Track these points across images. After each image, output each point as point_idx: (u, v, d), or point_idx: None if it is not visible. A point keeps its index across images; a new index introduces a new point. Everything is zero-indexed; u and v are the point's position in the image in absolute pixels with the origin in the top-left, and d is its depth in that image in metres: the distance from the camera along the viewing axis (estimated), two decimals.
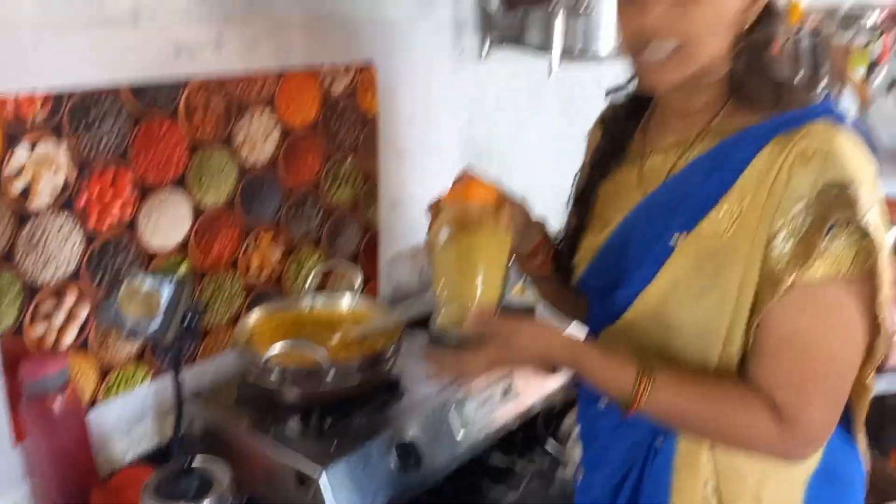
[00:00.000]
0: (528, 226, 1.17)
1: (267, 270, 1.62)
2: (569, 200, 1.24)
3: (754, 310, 0.94)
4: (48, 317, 1.28)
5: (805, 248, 0.89)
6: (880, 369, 1.93)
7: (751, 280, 0.94)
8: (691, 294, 0.98)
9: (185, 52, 1.36)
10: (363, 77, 1.67)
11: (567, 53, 1.66)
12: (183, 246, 1.45)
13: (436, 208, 1.09)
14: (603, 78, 1.28)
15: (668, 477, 1.04)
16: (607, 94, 1.18)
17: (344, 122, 1.67)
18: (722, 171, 0.97)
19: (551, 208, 2.15)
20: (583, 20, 1.69)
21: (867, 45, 2.38)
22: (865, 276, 0.90)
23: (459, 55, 1.85)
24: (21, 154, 1.19)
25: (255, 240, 1.57)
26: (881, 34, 2.39)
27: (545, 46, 1.71)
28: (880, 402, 2.28)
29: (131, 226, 1.36)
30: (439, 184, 1.90)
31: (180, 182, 1.41)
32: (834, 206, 0.88)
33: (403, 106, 1.78)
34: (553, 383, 1.61)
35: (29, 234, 1.22)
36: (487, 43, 1.87)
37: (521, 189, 2.08)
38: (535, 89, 2.04)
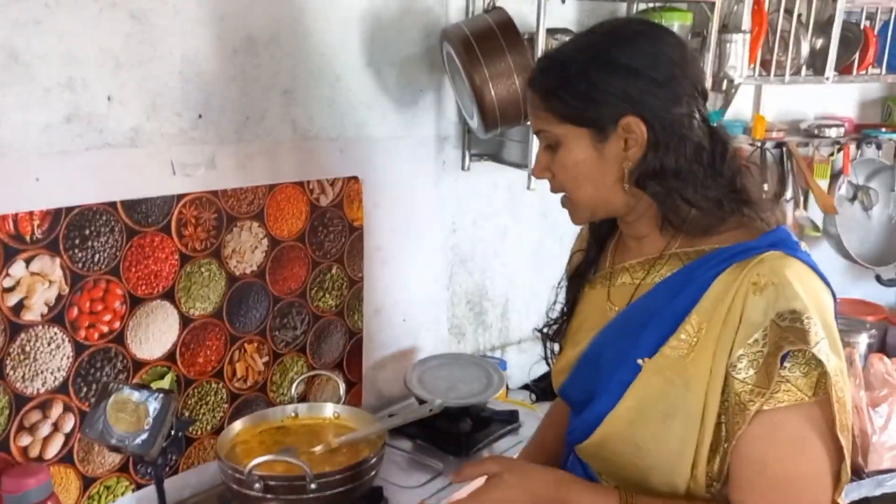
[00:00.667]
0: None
1: (252, 378, 1.64)
2: (556, 296, 1.27)
3: (728, 435, 0.96)
4: (33, 428, 1.29)
5: (765, 377, 0.92)
6: (859, 475, 1.94)
7: (713, 406, 0.96)
8: (657, 416, 1.01)
9: (179, 170, 1.42)
10: (349, 189, 1.75)
11: (532, 173, 1.74)
12: (170, 355, 1.47)
13: None
14: None
15: None
16: None
17: (330, 232, 1.73)
18: (682, 295, 1.01)
19: (532, 309, 2.21)
20: None
21: (830, 156, 2.51)
22: (824, 403, 0.91)
23: (442, 167, 1.93)
24: (17, 269, 1.23)
25: (241, 348, 1.60)
26: (841, 147, 2.52)
27: (523, 161, 1.80)
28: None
29: (120, 337, 1.39)
30: (423, 290, 1.97)
31: (169, 293, 1.46)
32: (786, 335, 0.91)
33: (388, 216, 1.85)
34: None
35: (20, 346, 1.25)
36: (468, 157, 1.96)
37: (503, 291, 2.15)
38: (515, 199, 2.12)
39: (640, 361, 1.02)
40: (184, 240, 1.46)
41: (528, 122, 1.67)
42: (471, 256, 2.08)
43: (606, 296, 1.13)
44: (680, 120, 0.98)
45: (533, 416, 1.83)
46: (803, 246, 1.01)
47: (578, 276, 1.22)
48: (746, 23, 2.07)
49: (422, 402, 1.75)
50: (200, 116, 1.45)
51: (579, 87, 0.98)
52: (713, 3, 1.94)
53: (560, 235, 2.24)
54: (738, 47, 1.99)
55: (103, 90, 1.30)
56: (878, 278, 2.83)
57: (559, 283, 1.26)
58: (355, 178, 1.76)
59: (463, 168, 1.98)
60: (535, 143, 1.74)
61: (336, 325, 1.79)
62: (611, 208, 1.06)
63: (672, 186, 0.99)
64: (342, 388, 1.58)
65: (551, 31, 1.72)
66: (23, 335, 1.26)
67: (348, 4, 1.65)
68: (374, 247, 1.84)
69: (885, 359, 2.03)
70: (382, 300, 1.89)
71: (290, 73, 1.58)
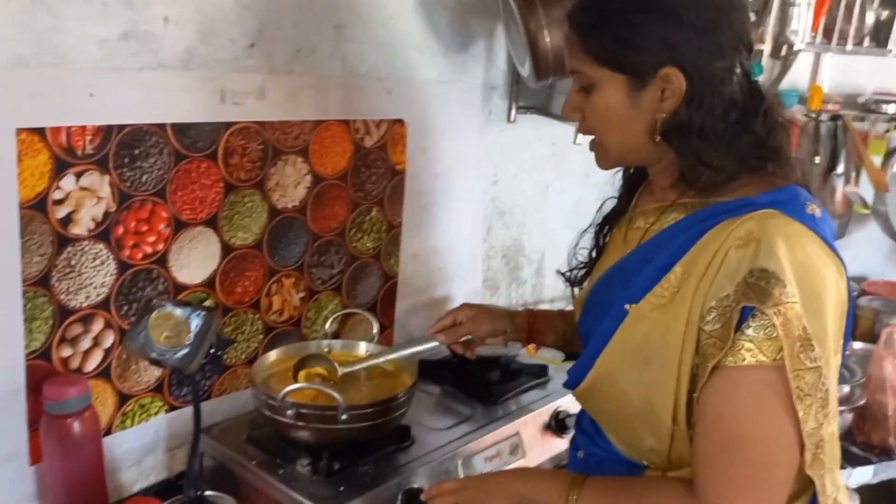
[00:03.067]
0: (492, 327, 1.34)
1: (287, 312, 1.65)
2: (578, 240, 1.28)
3: (696, 386, 0.95)
4: (75, 341, 1.32)
5: (725, 331, 0.90)
6: (890, 455, 1.92)
7: (688, 355, 0.95)
8: (638, 362, 1.01)
9: (229, 98, 1.42)
10: (394, 132, 1.74)
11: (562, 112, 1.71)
12: (209, 282, 1.49)
13: None
14: None
15: None
16: None
17: (373, 174, 1.73)
18: (675, 245, 1.00)
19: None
20: None
21: (886, 132, 2.44)
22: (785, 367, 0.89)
23: (488, 117, 1.91)
24: (67, 182, 1.24)
25: (279, 282, 1.62)
26: None
27: None
28: (890, 487, 2.26)
29: (162, 259, 1.41)
30: (460, 240, 1.96)
31: (212, 220, 1.47)
32: (750, 290, 0.89)
33: (431, 162, 1.84)
34: (561, 443, 1.62)
35: (66, 259, 1.27)
36: (515, 108, 1.93)
37: (539, 248, 2.14)
38: (559, 155, 2.10)
39: (626, 307, 1.02)
40: (229, 168, 1.47)
41: None
42: (510, 209, 2.07)
43: (623, 237, 1.13)
44: (720, 74, 0.96)
45: (561, 373, 1.82)
46: (813, 210, 0.97)
47: (607, 221, 1.22)
48: None
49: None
50: (253, 45, 1.44)
51: (620, 30, 0.96)
52: None
53: (602, 195, 2.21)
54: (802, 11, 1.94)
55: (161, 10, 1.29)
56: None
57: (586, 229, 1.26)
58: (401, 121, 1.75)
59: (509, 119, 1.96)
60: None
61: (372, 268, 1.80)
62: (638, 157, 1.05)
63: (693, 146, 0.97)
64: (375, 327, 1.59)
65: None
66: (69, 248, 1.28)
67: None
68: (416, 192, 1.83)
69: None
70: (420, 246, 1.89)
71: (344, 7, 1.56)
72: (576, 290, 1.26)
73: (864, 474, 1.92)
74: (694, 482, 0.94)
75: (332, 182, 1.65)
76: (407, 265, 1.87)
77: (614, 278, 1.09)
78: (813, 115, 2.27)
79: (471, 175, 1.95)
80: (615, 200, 1.22)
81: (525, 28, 1.54)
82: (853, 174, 2.40)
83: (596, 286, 1.14)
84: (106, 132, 1.27)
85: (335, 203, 1.68)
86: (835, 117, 2.34)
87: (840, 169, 2.35)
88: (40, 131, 1.19)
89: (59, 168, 1.23)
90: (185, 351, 1.05)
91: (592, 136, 1.08)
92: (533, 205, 2.11)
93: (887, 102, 2.41)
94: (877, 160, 2.41)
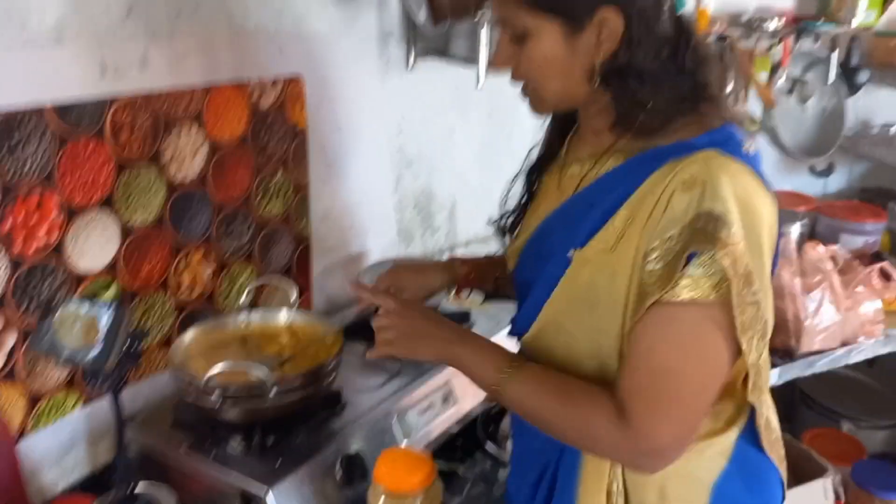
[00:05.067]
0: (429, 286, 1.34)
1: (199, 288, 1.59)
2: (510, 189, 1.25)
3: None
4: None
5: (668, 272, 0.92)
6: (792, 356, 2.05)
7: (633, 296, 0.97)
8: (585, 307, 1.02)
9: (110, 70, 1.33)
10: (291, 90, 1.67)
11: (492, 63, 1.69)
12: (112, 267, 1.42)
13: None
14: None
15: (577, 474, 1.08)
16: None
17: (273, 136, 1.66)
18: (618, 190, 1.00)
19: (480, 209, 2.20)
20: None
21: (769, 49, 2.52)
22: (727, 304, 0.92)
23: (386, 65, 1.86)
24: None
25: (186, 257, 1.55)
26: (781, 39, 2.53)
27: (471, 57, 1.75)
28: (791, 386, 2.42)
29: (58, 249, 1.32)
30: (370, 194, 1.93)
31: (107, 202, 1.38)
32: (697, 235, 0.91)
33: (332, 117, 1.79)
34: None
35: None
36: (413, 54, 1.89)
37: (450, 193, 2.13)
38: (462, 98, 2.07)
39: (569, 254, 1.02)
40: (119, 146, 1.38)
41: (482, 13, 1.63)
42: (417, 158, 2.04)
43: (557, 184, 1.13)
44: (652, 11, 0.95)
45: (483, 315, 1.84)
46: (749, 147, 0.99)
47: (537, 168, 1.21)
48: None
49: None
50: (131, 10, 1.34)
51: None
52: None
53: (507, 134, 2.22)
54: None
55: None
56: (812, 169, 2.91)
57: (514, 177, 1.25)
58: (297, 78, 1.68)
59: (408, 66, 1.91)
60: (484, 36, 1.70)
61: (283, 232, 1.75)
62: (575, 102, 1.04)
63: (631, 87, 0.97)
64: (294, 294, 1.56)
65: None
66: None
67: None
68: (319, 149, 1.78)
69: (820, 246, 2.11)
70: (330, 205, 1.85)
71: None
72: (506, 238, 1.24)
73: (771, 377, 2.05)
74: (621, 405, 0.96)
75: (230, 149, 1.58)
76: (318, 226, 1.83)
77: (554, 225, 1.08)
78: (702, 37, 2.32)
79: (374, 126, 1.90)
80: (543, 147, 1.20)
81: None
82: (742, 93, 2.48)
83: (534, 235, 1.12)
84: None
85: (237, 170, 1.61)
86: (721, 38, 2.39)
87: (729, 88, 2.42)
88: None
89: None
90: (97, 350, 0.99)
91: (523, 82, 1.04)
92: (440, 150, 2.09)
93: (769, 20, 2.48)
94: (763, 77, 2.49)
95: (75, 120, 1.30)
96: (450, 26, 1.68)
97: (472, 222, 2.23)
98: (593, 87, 0.99)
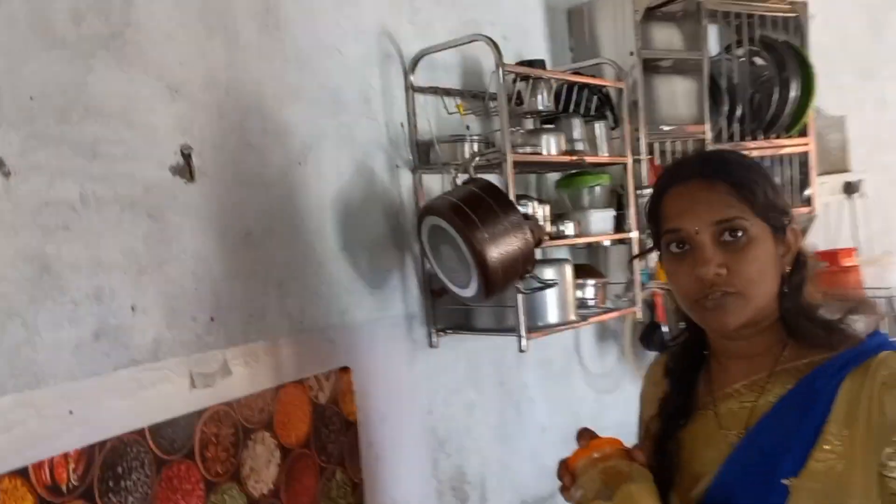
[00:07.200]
0: None
1: None
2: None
3: None
4: None
5: None
6: None
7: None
8: None
9: (199, 381, 1.25)
10: (342, 381, 1.62)
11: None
12: None
13: (567, 470, 1.03)
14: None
15: None
16: (665, 347, 1.24)
17: (331, 432, 1.57)
18: (812, 409, 1.00)
19: (506, 484, 2.11)
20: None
21: None
22: None
23: (413, 346, 1.86)
24: None
25: None
26: None
27: (499, 328, 1.81)
28: None
29: None
30: (413, 482, 1.81)
31: None
32: None
33: (376, 405, 1.72)
34: None
35: None
36: (433, 332, 1.90)
37: (479, 470, 2.04)
38: (475, 369, 2.07)
39: (786, 482, 0.98)
40: (206, 463, 1.25)
41: (529, 276, 1.70)
42: (447, 437, 1.97)
43: (718, 426, 1.11)
44: (802, 231, 1.05)
45: None
46: None
47: (670, 419, 1.18)
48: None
49: None
50: (213, 319, 1.30)
51: (765, 186, 1.01)
52: (626, 165, 2.14)
53: (515, 401, 2.21)
54: None
55: (128, 300, 1.13)
56: None
57: (638, 431, 1.23)
58: (346, 368, 1.64)
59: (430, 344, 1.92)
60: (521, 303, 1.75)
61: None
62: (765, 312, 1.04)
63: (804, 298, 1.03)
64: None
65: None
66: None
67: (320, 192, 1.62)
68: (368, 442, 1.69)
69: None
70: (383, 500, 1.71)
71: (281, 263, 1.48)
72: None
73: None
74: None
75: (298, 451, 1.47)
76: None
77: (744, 463, 1.04)
78: None
79: (410, 411, 1.85)
80: (675, 398, 1.18)
81: (470, 248, 1.56)
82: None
83: (718, 478, 1.06)
84: (88, 455, 1.04)
85: (304, 475, 1.49)
86: None
87: None
88: (23, 472, 0.94)
89: None
90: None
91: (721, 291, 1.02)
92: (463, 427, 2.03)
93: None
94: None
95: (170, 440, 1.18)
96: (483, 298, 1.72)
97: (501, 497, 2.12)
98: (781, 298, 1.03)
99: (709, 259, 1.00)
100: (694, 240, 1.01)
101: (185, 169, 1.27)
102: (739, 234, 1.00)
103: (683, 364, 1.17)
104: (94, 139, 1.12)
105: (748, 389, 1.06)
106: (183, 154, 1.26)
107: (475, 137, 1.86)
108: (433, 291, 1.87)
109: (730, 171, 1.02)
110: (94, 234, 1.09)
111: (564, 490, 1.03)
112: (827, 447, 0.97)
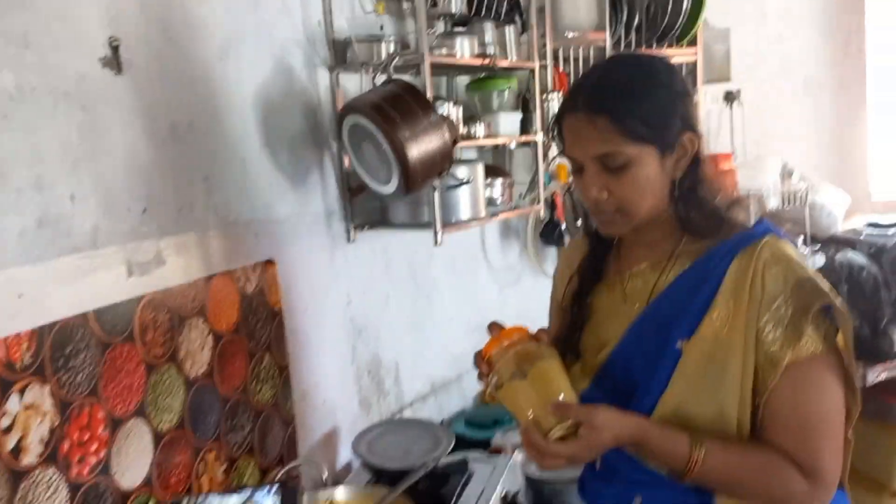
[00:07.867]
0: None
1: (215, 489, 1.49)
2: (554, 306, 1.36)
3: (756, 391, 1.12)
4: None
5: (793, 332, 1.10)
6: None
7: (749, 368, 1.12)
8: (705, 388, 1.14)
9: (136, 269, 1.30)
10: (268, 273, 1.69)
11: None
12: (147, 480, 1.30)
13: (483, 360, 1.16)
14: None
15: None
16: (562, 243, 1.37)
17: (259, 320, 1.65)
18: (704, 284, 1.16)
19: (419, 371, 2.27)
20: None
21: None
22: (834, 351, 1.10)
23: (333, 241, 1.94)
24: (13, 404, 1.04)
25: (203, 460, 1.46)
26: None
27: (413, 221, 1.92)
28: None
29: (105, 468, 1.21)
30: (334, 368, 1.93)
31: (141, 409, 1.30)
32: (812, 296, 1.10)
33: (300, 296, 1.81)
34: None
35: (22, 497, 1.04)
36: (351, 228, 1.99)
37: (393, 357, 2.18)
38: (391, 263, 2.18)
39: (678, 345, 1.14)
40: (146, 346, 1.32)
41: (447, 173, 1.79)
42: (364, 326, 2.09)
43: (623, 300, 1.25)
44: (700, 130, 1.17)
45: (478, 461, 1.88)
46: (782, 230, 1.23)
47: (583, 292, 1.33)
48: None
49: (375, 470, 1.73)
50: (145, 210, 1.34)
51: (650, 108, 1.10)
52: (532, 70, 2.24)
53: (426, 294, 2.34)
54: (555, 104, 2.31)
55: (67, 189, 1.16)
56: None
57: (550, 309, 1.37)
58: (271, 261, 1.71)
59: (349, 240, 2.00)
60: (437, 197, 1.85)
61: (274, 418, 1.70)
62: (656, 216, 1.17)
63: (699, 196, 1.16)
64: (325, 473, 1.51)
65: None
66: (24, 483, 1.05)
67: (241, 89, 1.64)
68: (293, 330, 1.78)
69: None
70: (306, 384, 1.83)
71: (207, 157, 1.52)
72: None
73: None
74: (797, 462, 1.09)
75: (229, 337, 1.55)
76: (299, 406, 1.79)
77: (644, 331, 1.20)
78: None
79: (330, 302, 1.95)
80: (578, 275, 1.32)
81: (391, 145, 1.63)
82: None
83: (621, 345, 1.21)
84: (39, 336, 1.09)
85: (235, 358, 1.57)
86: None
87: None
88: None
89: (3, 389, 1.02)
90: None
91: (609, 209, 1.16)
92: (379, 317, 2.15)
93: None
94: None
95: (112, 324, 1.24)
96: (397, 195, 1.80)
97: (414, 382, 2.28)
98: (673, 200, 1.16)
99: (590, 184, 1.14)
100: (581, 166, 1.15)
101: (114, 61, 1.27)
102: (619, 161, 1.12)
103: (596, 241, 1.31)
104: (26, 30, 1.12)
105: (651, 270, 1.21)
106: (111, 46, 1.27)
107: (391, 38, 1.90)
108: (351, 189, 1.95)
109: (612, 104, 1.11)
110: (31, 124, 1.11)
111: (483, 377, 1.16)
112: (715, 315, 1.13)
